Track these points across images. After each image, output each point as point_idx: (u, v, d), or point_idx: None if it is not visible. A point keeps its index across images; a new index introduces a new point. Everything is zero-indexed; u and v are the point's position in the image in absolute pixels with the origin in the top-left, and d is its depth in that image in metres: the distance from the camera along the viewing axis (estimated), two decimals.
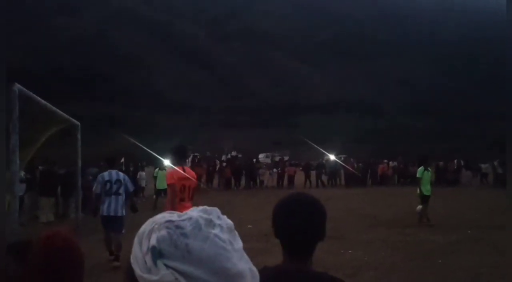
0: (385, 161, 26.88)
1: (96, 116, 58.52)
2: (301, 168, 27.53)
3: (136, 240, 0.76)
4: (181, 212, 0.91)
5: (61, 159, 13.71)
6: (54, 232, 1.18)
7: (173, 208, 4.95)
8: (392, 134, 69.93)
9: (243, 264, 0.75)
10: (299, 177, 24.49)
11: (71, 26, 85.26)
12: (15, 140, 4.20)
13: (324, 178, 24.90)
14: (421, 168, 10.92)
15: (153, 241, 0.71)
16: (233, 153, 38.10)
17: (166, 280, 0.68)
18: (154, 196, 14.78)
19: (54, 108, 6.58)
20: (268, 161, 35.28)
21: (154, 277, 0.69)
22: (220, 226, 0.76)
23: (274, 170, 25.08)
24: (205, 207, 0.81)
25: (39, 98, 5.44)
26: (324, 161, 27.72)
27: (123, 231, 7.09)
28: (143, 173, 19.13)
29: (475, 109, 75.75)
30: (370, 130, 73.44)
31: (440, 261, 7.00)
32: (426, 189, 10.57)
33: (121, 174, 7.51)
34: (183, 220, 0.74)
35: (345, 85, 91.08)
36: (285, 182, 24.13)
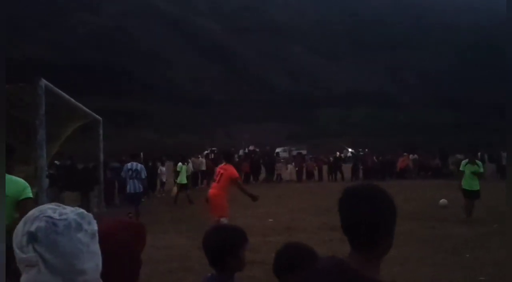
0: (405, 153, 26.51)
1: (117, 111, 59.08)
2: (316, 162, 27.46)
3: (23, 220, 0.99)
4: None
5: (83, 153, 13.88)
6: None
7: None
8: (411, 126, 69.09)
9: (90, 263, 0.99)
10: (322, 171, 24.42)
11: (91, 22, 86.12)
12: (41, 135, 4.22)
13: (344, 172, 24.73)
14: (464, 161, 10.69)
15: (33, 227, 0.95)
16: (251, 147, 38.05)
17: (30, 260, 0.94)
18: (175, 191, 14.75)
19: (77, 103, 6.62)
20: (286, 155, 35.14)
21: (23, 255, 0.94)
22: (86, 231, 1.00)
23: (289, 165, 25.04)
24: (83, 212, 1.04)
25: (63, 93, 5.46)
26: (343, 155, 27.57)
27: (140, 203, 11.14)
28: (163, 168, 19.11)
29: (497, 100, 74.12)
30: (389, 123, 72.67)
31: (468, 255, 6.87)
32: (466, 183, 10.31)
33: (139, 164, 11.15)
34: (60, 220, 0.97)
35: (363, 77, 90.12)
36: (304, 176, 24.06)
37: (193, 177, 20.23)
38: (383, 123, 72.73)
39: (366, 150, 30.94)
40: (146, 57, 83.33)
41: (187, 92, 79.30)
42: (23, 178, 3.98)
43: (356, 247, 1.38)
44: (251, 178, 23.26)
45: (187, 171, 15.54)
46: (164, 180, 18.97)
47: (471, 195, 10.23)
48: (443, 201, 12.15)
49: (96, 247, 1.02)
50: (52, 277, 0.93)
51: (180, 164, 15.09)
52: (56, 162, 13.55)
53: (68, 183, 12.62)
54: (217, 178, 7.59)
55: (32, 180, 4.34)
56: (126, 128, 59.46)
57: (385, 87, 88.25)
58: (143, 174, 10.91)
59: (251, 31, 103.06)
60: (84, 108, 7.21)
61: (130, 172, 10.70)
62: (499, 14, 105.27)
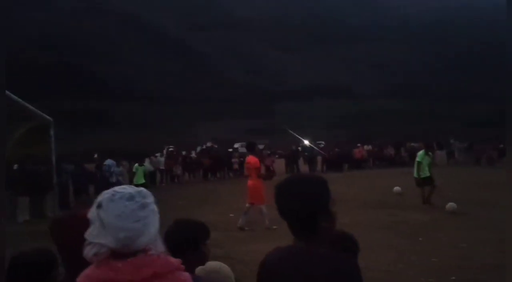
0: (359, 144, 27.24)
1: (71, 111, 57.17)
2: (277, 156, 27.66)
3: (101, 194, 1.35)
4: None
5: (35, 156, 13.33)
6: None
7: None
8: (367, 118, 70.85)
9: (135, 224, 1.28)
10: (280, 165, 24.58)
11: (42, 20, 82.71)
12: None
13: (302, 164, 25.07)
14: (421, 152, 11.00)
15: (100, 198, 1.31)
16: (209, 144, 37.77)
17: (91, 218, 1.30)
18: None
19: (26, 104, 6.36)
20: (244, 150, 35.16)
21: (90, 215, 1.31)
22: (136, 201, 1.31)
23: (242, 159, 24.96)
24: (143, 190, 1.38)
25: (11, 94, 5.24)
26: (300, 148, 27.91)
27: None
28: (118, 168, 17.21)
29: (448, 90, 77.52)
30: (346, 115, 74.20)
31: (420, 239, 7.17)
32: (424, 172, 10.63)
33: (111, 160, 15.35)
34: (118, 192, 1.32)
35: (320, 70, 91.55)
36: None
37: (151, 176, 19.88)
38: (341, 115, 74.18)
39: (323, 142, 31.48)
40: (102, 55, 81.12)
41: (145, 90, 77.83)
42: None
43: (296, 235, 1.46)
44: (209, 174, 23.16)
45: (144, 171, 15.13)
46: (113, 180, 17.02)
47: (426, 183, 10.64)
48: (397, 188, 12.61)
49: (143, 215, 1.30)
50: (102, 230, 1.27)
51: (136, 165, 14.66)
52: (15, 165, 12.91)
53: (21, 186, 12.11)
54: (247, 172, 9.23)
55: None
56: (82, 128, 57.68)
57: (341, 80, 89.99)
58: (113, 168, 15.03)
59: (208, 27, 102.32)
60: (34, 109, 6.92)
61: (107, 167, 14.81)
62: (449, 10, 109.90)
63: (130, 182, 15.19)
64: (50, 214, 11.14)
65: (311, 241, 1.43)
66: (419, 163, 10.74)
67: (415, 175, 10.84)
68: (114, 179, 14.65)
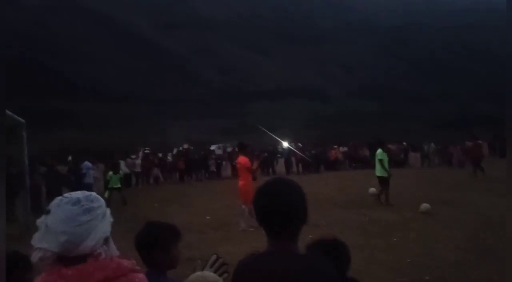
0: (335, 146, 27.49)
1: (41, 111, 55.74)
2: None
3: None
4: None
5: (7, 158, 12.91)
6: None
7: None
8: (340, 119, 71.65)
9: (76, 229, 1.30)
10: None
11: (8, 16, 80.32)
12: None
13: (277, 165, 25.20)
14: (380, 150, 11.19)
15: (50, 205, 1.35)
16: (185, 146, 37.51)
17: (38, 223, 1.33)
18: (107, 194, 14.04)
19: None
20: (221, 152, 35.16)
21: (39, 220, 1.34)
22: (82, 206, 1.33)
23: (224, 162, 24.97)
24: (92, 194, 1.41)
25: None
26: (273, 148, 28.09)
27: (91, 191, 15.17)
28: (91, 171, 17.22)
29: (418, 91, 79.30)
30: (318, 116, 74.84)
31: (395, 239, 7.31)
32: (385, 170, 10.87)
33: (87, 162, 15.99)
34: (66, 197, 1.36)
35: (291, 71, 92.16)
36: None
37: (126, 178, 19.62)
38: (314, 116, 74.77)
39: (299, 143, 31.71)
40: (71, 54, 79.47)
41: (116, 90, 76.59)
42: None
43: (271, 237, 1.51)
44: (185, 176, 23.05)
45: (120, 178, 14.75)
46: (86, 182, 17.00)
47: (388, 181, 10.91)
48: (372, 189, 12.85)
49: (87, 219, 1.32)
50: (45, 234, 1.30)
51: (111, 173, 14.30)
52: None
53: None
54: (238, 172, 9.33)
55: None
56: (52, 129, 56.37)
57: (313, 81, 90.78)
58: (85, 170, 15.59)
59: (180, 26, 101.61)
60: (6, 110, 6.76)
61: (85, 169, 15.47)
62: (416, 10, 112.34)
63: (105, 186, 15.03)
64: (22, 217, 10.87)
65: (285, 244, 1.48)
66: (381, 160, 10.99)
67: (378, 173, 11.09)
68: (86, 180, 14.96)
